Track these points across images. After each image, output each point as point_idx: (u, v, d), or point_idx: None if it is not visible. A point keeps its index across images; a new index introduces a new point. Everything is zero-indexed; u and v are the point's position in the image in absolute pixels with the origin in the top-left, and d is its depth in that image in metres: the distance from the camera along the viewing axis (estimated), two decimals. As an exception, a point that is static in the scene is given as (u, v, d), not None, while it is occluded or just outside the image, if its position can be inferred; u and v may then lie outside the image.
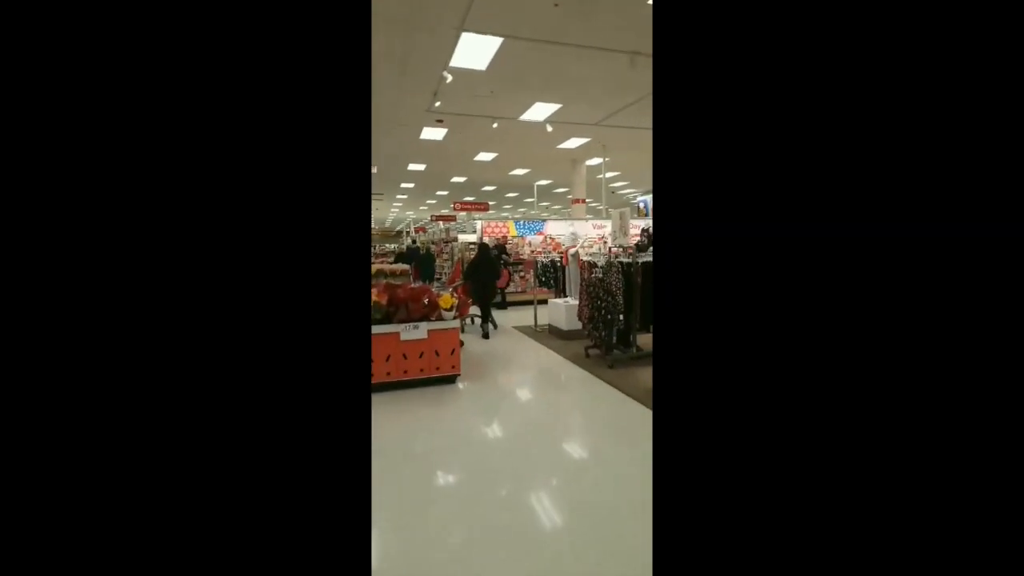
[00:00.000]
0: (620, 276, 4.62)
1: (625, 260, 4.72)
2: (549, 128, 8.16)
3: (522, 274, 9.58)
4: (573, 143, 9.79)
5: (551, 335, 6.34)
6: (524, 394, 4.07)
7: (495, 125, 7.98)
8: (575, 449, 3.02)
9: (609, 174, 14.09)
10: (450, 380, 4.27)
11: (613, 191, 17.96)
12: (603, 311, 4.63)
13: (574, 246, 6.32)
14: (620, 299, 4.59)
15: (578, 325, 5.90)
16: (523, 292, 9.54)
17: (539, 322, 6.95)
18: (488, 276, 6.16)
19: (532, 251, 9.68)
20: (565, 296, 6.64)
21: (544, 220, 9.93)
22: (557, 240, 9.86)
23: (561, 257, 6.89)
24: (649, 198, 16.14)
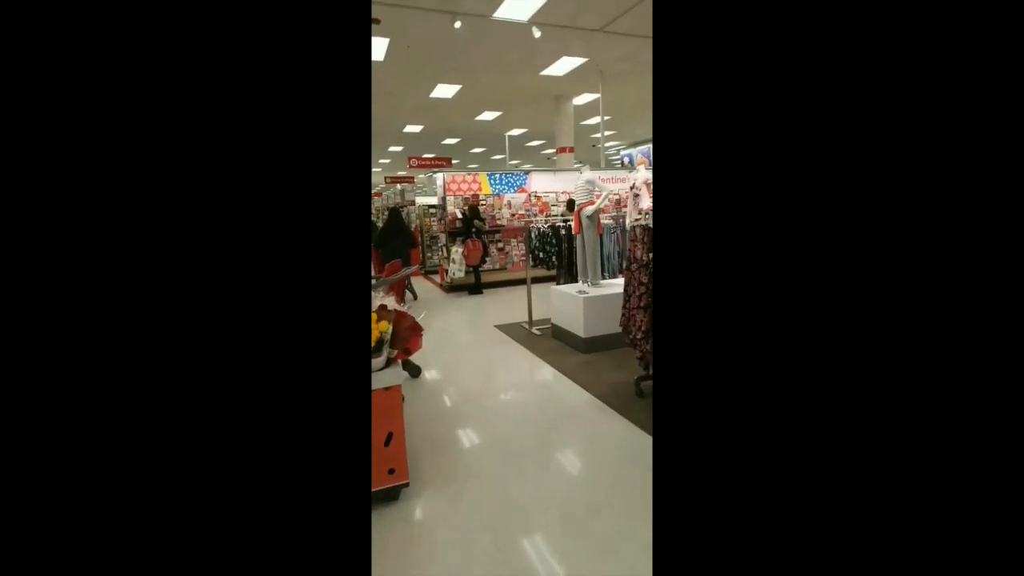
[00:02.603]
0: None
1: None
2: (537, 32, 5.66)
3: (500, 246, 7.23)
4: (563, 66, 7.30)
5: (558, 343, 4.09)
6: (553, 541, 1.82)
7: (458, 25, 5.39)
8: None
9: (598, 119, 11.69)
10: (390, 496, 1.97)
11: (594, 143, 15.57)
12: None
13: (591, 202, 4.02)
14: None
15: (605, 329, 3.68)
16: (503, 270, 7.22)
17: (535, 317, 4.69)
18: (401, 246, 5.20)
19: (513, 214, 7.30)
20: (579, 280, 4.36)
21: (526, 172, 7.53)
22: (544, 199, 7.51)
23: (569, 220, 4.57)
24: (634, 152, 13.96)
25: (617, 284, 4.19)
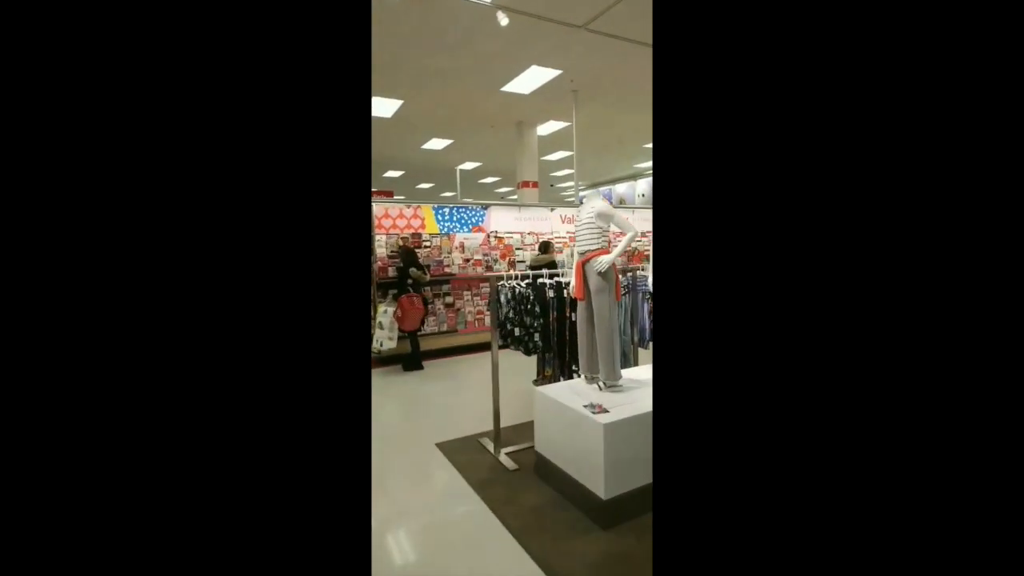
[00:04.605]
0: None
1: None
2: (503, 19, 4.17)
3: (449, 301, 5.43)
4: (531, 80, 5.89)
5: (549, 494, 2.28)
6: None
7: (393, -9, 3.80)
8: None
9: (561, 154, 10.45)
10: None
11: (552, 184, 14.41)
12: None
13: (604, 249, 2.39)
14: None
15: (641, 476, 1.90)
16: (452, 332, 5.40)
17: (504, 420, 2.87)
18: None
19: (468, 260, 5.57)
20: (582, 374, 2.63)
21: (485, 206, 5.89)
22: (507, 242, 5.87)
23: (558, 278, 2.89)
24: (591, 193, 12.82)
25: (643, 383, 2.50)
